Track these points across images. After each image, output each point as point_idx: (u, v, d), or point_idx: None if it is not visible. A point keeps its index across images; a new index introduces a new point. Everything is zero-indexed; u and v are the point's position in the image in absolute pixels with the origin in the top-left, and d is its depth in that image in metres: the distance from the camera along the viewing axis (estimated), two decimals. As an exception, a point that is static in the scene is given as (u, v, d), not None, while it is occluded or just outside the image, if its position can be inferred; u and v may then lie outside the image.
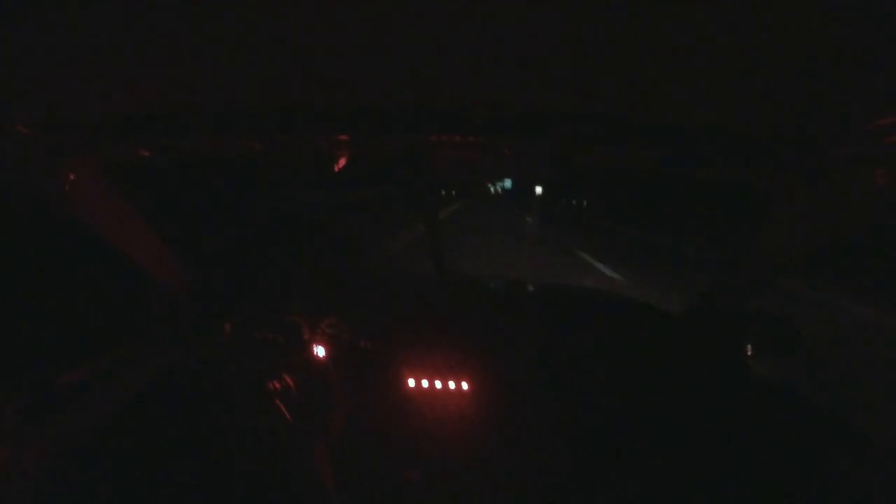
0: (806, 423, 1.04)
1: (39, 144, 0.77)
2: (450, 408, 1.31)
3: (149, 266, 1.18)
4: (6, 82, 0.58)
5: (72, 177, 0.88)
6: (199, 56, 0.53)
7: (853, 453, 0.94)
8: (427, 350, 1.34)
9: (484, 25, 0.44)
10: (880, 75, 0.47)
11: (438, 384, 1.31)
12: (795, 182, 0.78)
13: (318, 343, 1.34)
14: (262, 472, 1.23)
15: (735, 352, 1.19)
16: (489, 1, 0.40)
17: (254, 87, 0.63)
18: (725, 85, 0.53)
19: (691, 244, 11.28)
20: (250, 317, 1.36)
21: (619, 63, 0.50)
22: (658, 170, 0.85)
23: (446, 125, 0.75)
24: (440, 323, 1.40)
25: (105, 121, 0.77)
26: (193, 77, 0.60)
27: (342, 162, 0.90)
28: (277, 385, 1.26)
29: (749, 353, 1.15)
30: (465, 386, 1.31)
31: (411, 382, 1.32)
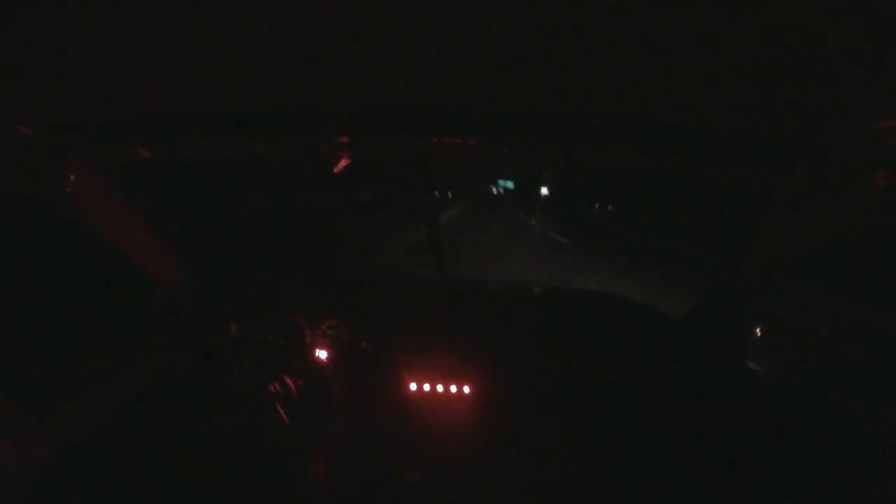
0: (806, 423, 1.04)
1: (40, 145, 0.77)
2: (450, 411, 1.31)
3: (149, 266, 1.18)
4: (7, 83, 0.58)
5: (72, 177, 0.88)
6: (199, 57, 0.53)
7: (854, 453, 0.94)
8: (428, 353, 1.34)
9: (484, 27, 0.44)
10: (881, 77, 0.47)
11: (440, 387, 1.31)
12: (796, 183, 0.78)
13: (319, 345, 1.34)
14: (261, 473, 1.23)
15: (735, 353, 1.19)
16: (489, 3, 0.40)
17: (254, 88, 0.63)
18: (726, 86, 0.53)
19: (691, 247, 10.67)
20: (251, 318, 1.36)
21: (620, 64, 0.50)
22: (658, 171, 0.85)
23: (447, 127, 0.75)
24: (441, 325, 1.40)
25: (106, 121, 0.77)
26: (194, 78, 0.60)
27: (343, 163, 0.90)
28: (277, 387, 1.25)
29: (749, 353, 1.15)
30: (465, 389, 1.31)
31: (412, 385, 1.32)
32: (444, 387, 1.31)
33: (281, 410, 1.26)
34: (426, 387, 1.32)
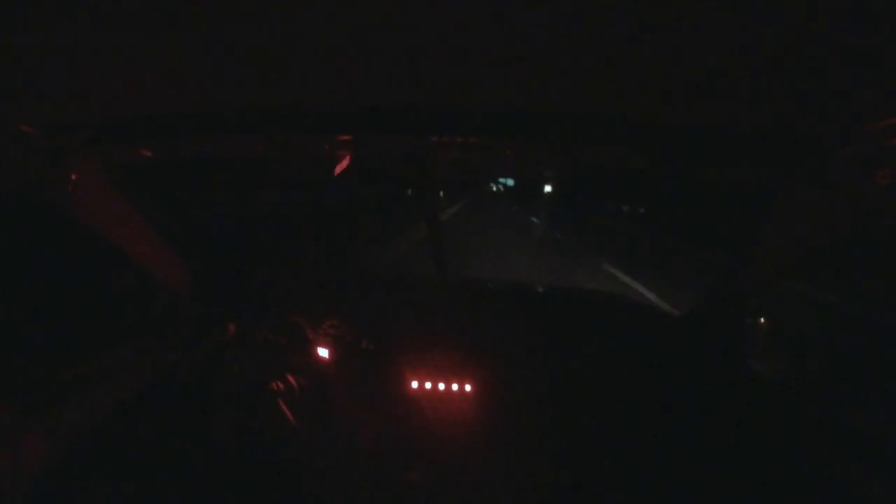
0: (807, 423, 1.04)
1: (41, 144, 0.77)
2: (451, 409, 1.31)
3: (150, 266, 1.18)
4: (8, 82, 0.58)
5: (73, 177, 0.88)
6: (200, 56, 0.53)
7: (854, 453, 0.94)
8: (429, 352, 1.34)
9: (486, 25, 0.44)
10: (885, 75, 0.46)
11: (441, 386, 1.31)
12: (799, 183, 0.78)
13: (320, 344, 1.34)
14: (262, 473, 1.23)
15: (737, 352, 1.19)
16: (491, 2, 0.40)
17: (255, 88, 0.63)
18: (728, 85, 0.53)
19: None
20: (251, 317, 1.36)
21: (622, 62, 0.50)
22: (660, 170, 0.85)
23: (448, 125, 0.75)
24: (442, 324, 1.40)
25: (107, 121, 0.77)
26: (195, 77, 0.60)
27: (344, 162, 0.90)
28: (279, 385, 1.26)
29: (750, 352, 1.15)
30: (466, 387, 1.31)
31: (413, 384, 1.32)
32: (444, 385, 1.31)
33: (282, 409, 1.26)
34: (427, 385, 1.32)
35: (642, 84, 0.55)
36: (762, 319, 1.15)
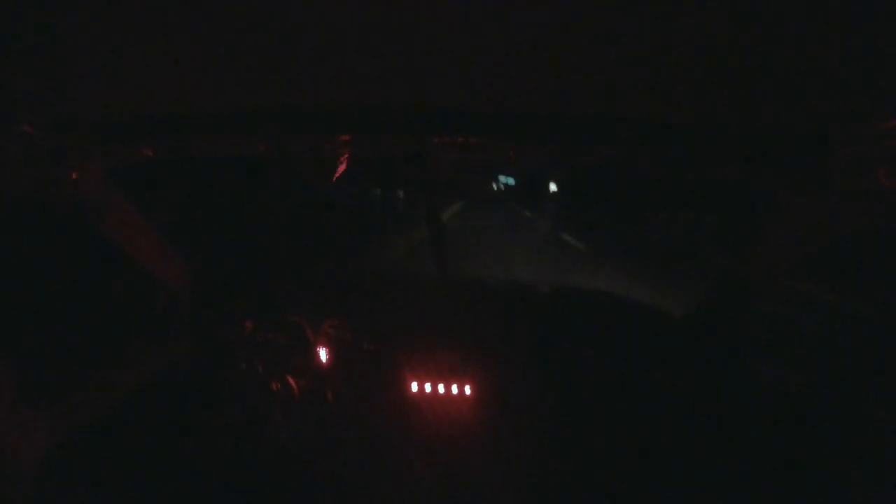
0: (808, 423, 1.04)
1: (43, 144, 0.78)
2: (451, 411, 1.31)
3: (151, 266, 1.18)
4: (11, 83, 0.59)
5: (75, 177, 0.88)
6: (202, 57, 0.53)
7: (855, 453, 0.94)
8: (430, 352, 1.34)
9: (486, 26, 0.44)
10: (884, 77, 0.46)
11: (441, 387, 1.31)
12: (799, 183, 0.78)
13: (321, 344, 1.34)
14: (262, 472, 1.23)
15: (739, 353, 1.19)
16: (491, 2, 0.40)
17: (257, 88, 0.64)
18: (730, 86, 0.53)
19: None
20: (253, 317, 1.36)
21: (623, 63, 0.50)
22: (662, 170, 0.85)
23: (448, 125, 0.75)
24: (443, 325, 1.40)
25: (109, 121, 0.77)
26: (196, 78, 0.60)
27: (345, 162, 0.90)
28: (279, 386, 1.26)
29: (752, 353, 1.15)
30: (466, 389, 1.31)
31: (414, 385, 1.32)
32: (444, 387, 1.31)
33: (282, 409, 1.26)
34: (427, 387, 1.32)
35: (643, 85, 0.55)
36: (765, 320, 1.15)
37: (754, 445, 1.07)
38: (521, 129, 0.74)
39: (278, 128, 0.78)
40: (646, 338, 1.36)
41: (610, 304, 1.58)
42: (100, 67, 0.55)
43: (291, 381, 1.28)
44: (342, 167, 0.92)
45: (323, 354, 1.34)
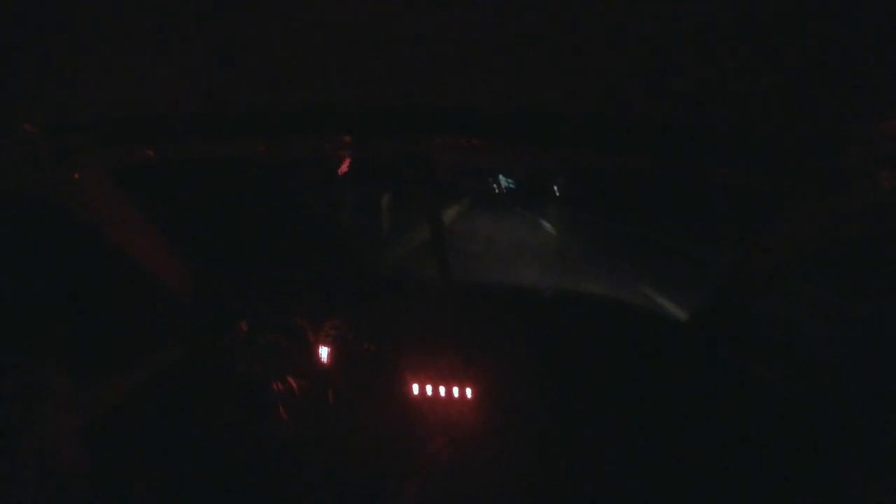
0: (812, 427, 1.03)
1: (45, 145, 0.78)
2: (452, 414, 1.31)
3: (152, 266, 1.18)
4: (12, 83, 0.59)
5: (76, 177, 0.88)
6: (203, 57, 0.53)
7: (859, 457, 0.94)
8: (431, 356, 1.33)
9: (489, 27, 0.44)
10: (886, 78, 0.46)
11: (441, 391, 1.31)
12: (801, 184, 0.77)
13: (323, 346, 1.34)
14: (262, 474, 1.23)
15: (742, 356, 1.18)
16: (493, 4, 0.40)
17: (258, 89, 0.63)
18: (732, 87, 0.53)
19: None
20: (254, 318, 1.36)
21: (625, 64, 0.49)
22: (664, 172, 0.84)
23: (451, 126, 0.75)
24: (444, 329, 1.40)
25: (110, 122, 0.77)
26: (197, 78, 0.60)
27: (346, 163, 0.90)
28: (280, 387, 1.26)
29: (755, 356, 1.14)
30: (467, 392, 1.31)
31: (415, 388, 1.32)
32: (445, 390, 1.31)
33: (283, 411, 1.26)
34: (428, 390, 1.31)
35: (645, 86, 0.55)
36: (767, 322, 1.14)
37: (756, 448, 1.06)
38: (523, 129, 0.74)
39: (279, 128, 0.78)
40: (647, 341, 1.35)
41: (611, 308, 1.58)
42: (101, 67, 0.55)
43: (292, 381, 1.28)
44: (343, 168, 0.92)
45: (324, 356, 1.34)
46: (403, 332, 1.39)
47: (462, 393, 1.31)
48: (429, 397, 1.31)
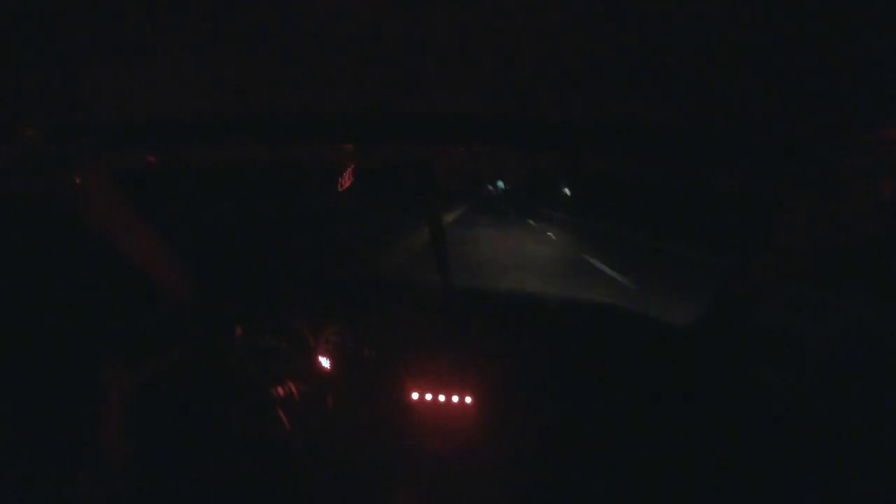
0: (815, 432, 1.03)
1: (47, 149, 0.78)
2: (451, 421, 1.30)
3: (153, 270, 1.18)
4: (14, 87, 0.59)
5: (78, 181, 0.89)
6: (205, 63, 0.53)
7: (863, 463, 0.93)
8: (430, 362, 1.33)
9: (488, 35, 0.44)
10: (888, 85, 0.46)
11: (441, 398, 1.30)
12: (802, 191, 0.77)
13: (322, 351, 1.33)
14: (261, 478, 1.22)
15: (744, 364, 1.18)
16: (492, 10, 0.40)
17: (260, 95, 0.64)
18: (732, 94, 0.53)
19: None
20: (253, 322, 1.35)
21: (628, 69, 0.50)
22: (665, 177, 0.84)
23: (451, 133, 0.75)
24: (444, 334, 1.40)
25: (112, 127, 0.77)
26: (199, 84, 0.60)
27: (347, 169, 0.91)
28: (279, 392, 1.25)
29: (757, 362, 1.14)
30: (467, 399, 1.30)
31: (414, 395, 1.31)
32: (445, 397, 1.30)
33: (282, 416, 1.25)
34: (427, 397, 1.31)
35: (646, 91, 0.55)
36: (769, 328, 1.14)
37: (758, 453, 1.06)
38: (524, 135, 0.74)
39: (281, 135, 0.78)
40: (649, 347, 1.35)
41: (612, 314, 1.58)
42: (102, 72, 0.56)
43: (292, 386, 1.27)
44: (345, 175, 0.92)
45: (323, 360, 1.33)
46: (403, 337, 1.38)
47: (461, 398, 1.30)
48: (428, 403, 1.31)
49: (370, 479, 1.26)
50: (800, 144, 0.65)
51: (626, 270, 7.40)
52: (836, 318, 5.50)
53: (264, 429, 1.25)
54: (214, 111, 0.70)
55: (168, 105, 0.68)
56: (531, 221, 17.52)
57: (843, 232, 0.76)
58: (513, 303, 1.66)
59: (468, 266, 6.64)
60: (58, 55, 0.50)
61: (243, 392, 1.26)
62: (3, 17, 0.41)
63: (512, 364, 1.33)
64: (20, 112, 0.68)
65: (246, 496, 1.20)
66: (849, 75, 0.45)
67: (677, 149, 0.72)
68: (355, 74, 0.55)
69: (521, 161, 0.89)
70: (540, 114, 0.67)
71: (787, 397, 1.12)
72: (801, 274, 0.92)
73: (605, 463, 1.22)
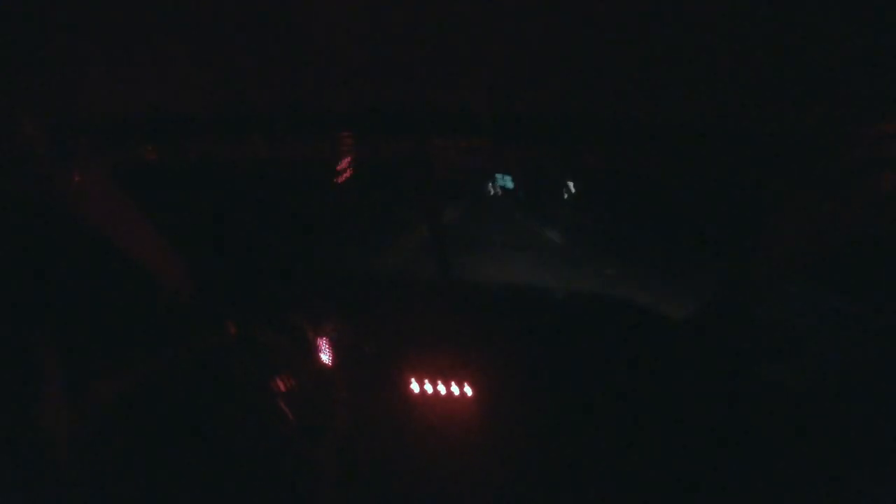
0: (815, 428, 1.04)
1: (46, 145, 0.78)
2: (452, 413, 1.31)
3: (153, 266, 1.18)
4: (14, 83, 0.59)
5: (78, 178, 0.88)
6: (204, 60, 0.53)
7: (863, 459, 0.94)
8: (430, 354, 1.33)
9: (489, 29, 0.44)
10: (887, 80, 0.46)
11: (442, 389, 1.31)
12: (802, 186, 0.77)
13: (322, 346, 1.34)
14: (263, 474, 1.23)
15: (742, 357, 1.18)
16: (493, 5, 0.40)
17: (258, 90, 0.64)
18: (733, 89, 0.53)
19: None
20: (253, 318, 1.36)
21: (626, 65, 0.49)
22: (664, 173, 0.84)
23: (450, 127, 0.75)
24: (444, 327, 1.40)
25: (112, 123, 0.77)
26: (197, 80, 0.60)
27: (346, 164, 0.91)
28: (280, 387, 1.25)
29: (756, 358, 1.14)
30: (467, 391, 1.31)
31: (415, 387, 1.32)
32: (445, 388, 1.31)
33: (283, 411, 1.26)
34: (428, 388, 1.31)
35: (645, 87, 0.55)
36: (768, 324, 1.14)
37: (758, 450, 1.06)
38: (522, 130, 0.74)
39: (279, 129, 0.78)
40: (649, 342, 1.35)
41: (612, 308, 1.58)
42: (102, 70, 0.55)
43: (292, 381, 1.27)
44: (344, 168, 0.92)
45: (324, 355, 1.34)
46: (404, 332, 1.39)
47: (462, 391, 1.31)
48: (429, 396, 1.31)
49: (372, 472, 1.27)
50: (800, 139, 0.65)
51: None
52: (835, 314, 5.51)
53: (264, 424, 1.26)
54: (212, 107, 0.70)
55: (166, 101, 0.68)
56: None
57: (842, 226, 0.76)
58: (513, 295, 1.66)
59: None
60: (56, 53, 0.50)
61: (242, 388, 1.27)
62: (3, 16, 0.41)
63: (513, 356, 1.33)
64: (19, 108, 0.68)
65: (246, 492, 1.20)
66: (849, 69, 0.45)
67: (676, 142, 0.72)
68: (354, 68, 0.55)
69: (519, 155, 0.89)
70: (539, 107, 0.67)
71: (788, 395, 1.12)
72: (801, 273, 0.92)
73: (605, 454, 1.23)
